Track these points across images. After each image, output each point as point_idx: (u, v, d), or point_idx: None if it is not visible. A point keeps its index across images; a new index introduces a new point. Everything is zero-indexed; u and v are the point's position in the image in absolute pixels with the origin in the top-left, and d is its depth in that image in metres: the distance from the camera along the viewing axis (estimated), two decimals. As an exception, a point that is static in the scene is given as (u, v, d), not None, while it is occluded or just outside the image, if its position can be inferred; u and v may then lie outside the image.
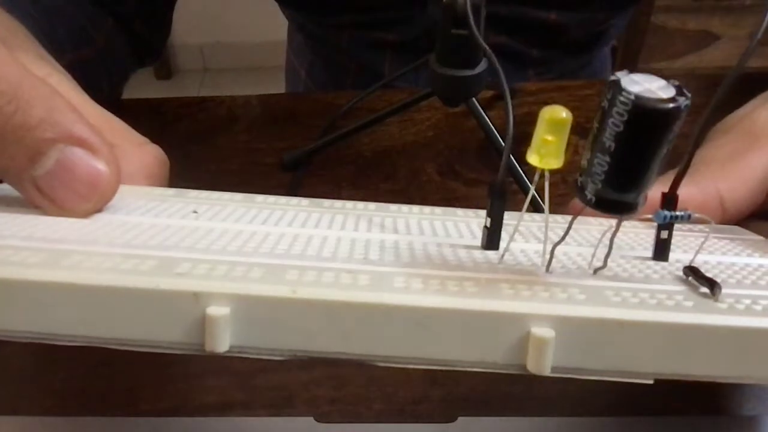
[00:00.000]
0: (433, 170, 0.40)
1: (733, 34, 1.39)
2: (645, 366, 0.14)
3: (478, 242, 0.18)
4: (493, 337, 0.14)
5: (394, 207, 0.21)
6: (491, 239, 0.17)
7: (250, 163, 0.41)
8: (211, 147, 0.43)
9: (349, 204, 0.21)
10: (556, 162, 0.14)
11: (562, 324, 0.14)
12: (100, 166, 0.18)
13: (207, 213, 0.19)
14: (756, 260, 0.18)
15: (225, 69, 2.03)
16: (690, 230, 0.21)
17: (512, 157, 0.34)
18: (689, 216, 0.17)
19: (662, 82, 0.13)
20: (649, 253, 0.18)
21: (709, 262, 0.18)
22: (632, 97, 0.12)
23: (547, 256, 0.16)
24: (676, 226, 0.18)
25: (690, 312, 0.14)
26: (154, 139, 0.24)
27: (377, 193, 0.38)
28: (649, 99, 0.12)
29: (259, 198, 0.21)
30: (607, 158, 0.13)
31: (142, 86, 0.64)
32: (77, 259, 0.14)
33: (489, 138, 0.35)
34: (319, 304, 0.13)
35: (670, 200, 0.17)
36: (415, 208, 0.22)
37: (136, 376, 0.28)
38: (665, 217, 0.17)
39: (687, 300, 0.15)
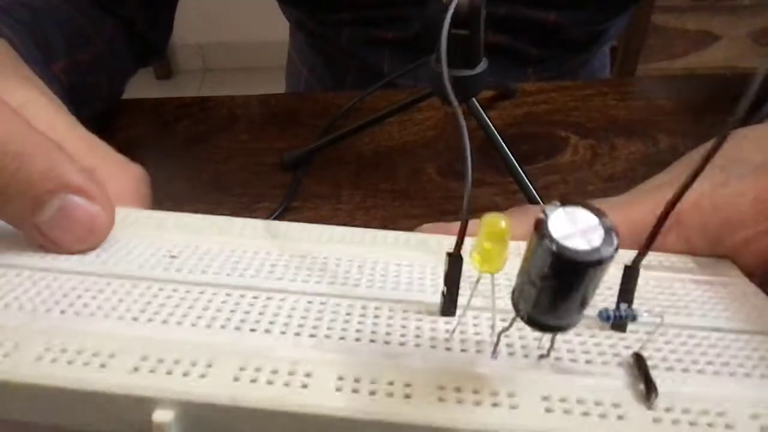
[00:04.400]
0: (433, 170, 0.40)
1: (733, 34, 1.39)
2: None
3: (438, 299, 0.18)
4: None
5: (369, 235, 0.22)
6: (447, 307, 0.18)
7: (250, 163, 0.41)
8: (211, 147, 0.43)
9: (326, 234, 0.22)
10: (494, 267, 0.14)
11: None
12: (96, 210, 0.20)
13: (182, 256, 0.20)
14: (722, 324, 0.18)
15: (225, 69, 2.04)
16: (671, 267, 0.21)
17: (513, 159, 0.34)
18: (635, 317, 0.16)
19: (593, 222, 0.12)
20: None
21: (668, 332, 0.18)
22: (553, 248, 0.12)
23: (496, 337, 0.16)
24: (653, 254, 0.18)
25: (612, 428, 0.14)
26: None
27: (377, 193, 0.38)
28: (570, 251, 0.12)
29: (238, 225, 0.22)
30: (534, 290, 0.13)
31: (142, 86, 0.64)
32: (39, 351, 0.15)
33: (489, 138, 0.35)
34: (256, 412, 0.14)
35: (628, 277, 0.17)
36: (391, 236, 0.22)
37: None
38: (609, 317, 0.16)
39: (619, 405, 0.15)
